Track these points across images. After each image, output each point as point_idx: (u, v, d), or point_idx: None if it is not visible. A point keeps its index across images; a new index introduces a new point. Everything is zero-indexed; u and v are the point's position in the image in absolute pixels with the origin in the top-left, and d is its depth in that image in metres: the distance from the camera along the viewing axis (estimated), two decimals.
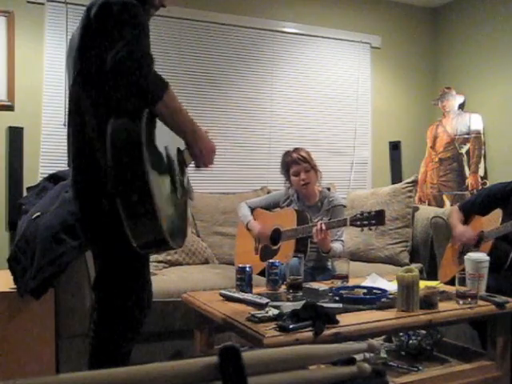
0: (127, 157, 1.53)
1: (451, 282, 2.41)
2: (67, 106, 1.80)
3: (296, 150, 3.00)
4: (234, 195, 3.61)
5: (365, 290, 2.21)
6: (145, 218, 1.52)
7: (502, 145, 3.95)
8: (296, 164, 2.93)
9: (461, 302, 2.12)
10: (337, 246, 2.83)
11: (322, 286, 2.33)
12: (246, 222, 3.07)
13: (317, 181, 3.00)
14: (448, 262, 2.92)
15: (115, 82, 1.55)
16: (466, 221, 2.94)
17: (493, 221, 2.74)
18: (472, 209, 2.92)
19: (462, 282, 2.16)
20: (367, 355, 1.95)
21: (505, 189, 2.81)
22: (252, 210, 3.13)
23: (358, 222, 2.59)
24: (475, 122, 4.08)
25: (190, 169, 1.86)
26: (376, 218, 2.54)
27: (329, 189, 3.08)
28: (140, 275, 1.79)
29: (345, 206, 3.00)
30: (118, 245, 1.68)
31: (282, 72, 4.04)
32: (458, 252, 2.83)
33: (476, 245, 2.78)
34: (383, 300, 2.08)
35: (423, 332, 2.27)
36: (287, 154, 3.02)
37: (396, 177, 4.26)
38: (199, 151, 1.73)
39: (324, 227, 2.67)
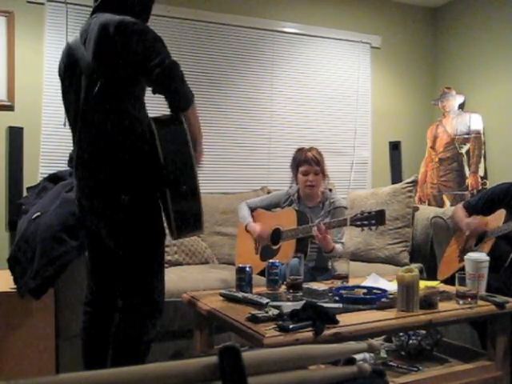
0: (178, 154, 1.79)
1: (450, 281, 2.41)
2: (82, 108, 1.88)
3: (311, 149, 2.97)
4: (234, 195, 3.60)
5: (365, 290, 2.21)
6: (192, 208, 1.81)
7: (501, 145, 3.95)
8: (307, 164, 2.91)
9: (461, 301, 2.12)
10: (338, 247, 2.83)
11: (321, 286, 2.34)
12: (246, 223, 3.07)
13: (323, 184, 2.99)
14: (449, 259, 2.92)
15: (162, 86, 1.80)
16: None
17: (496, 221, 2.75)
18: (475, 209, 2.92)
19: (462, 282, 2.16)
20: (367, 355, 1.95)
21: (508, 189, 2.82)
22: (252, 210, 3.13)
23: (359, 222, 2.59)
24: (475, 122, 4.08)
25: None
26: (376, 218, 2.54)
27: (330, 190, 3.06)
28: (163, 263, 2.00)
29: (346, 208, 2.99)
30: (141, 235, 1.87)
31: (282, 72, 4.04)
32: (459, 250, 2.83)
33: (477, 243, 2.79)
34: (383, 300, 2.08)
35: (423, 332, 2.27)
36: (301, 150, 2.99)
37: (396, 177, 4.26)
38: (200, 150, 1.99)
39: (324, 227, 2.67)
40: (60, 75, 2.03)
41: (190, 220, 1.83)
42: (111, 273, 2.02)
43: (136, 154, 1.84)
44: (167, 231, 1.96)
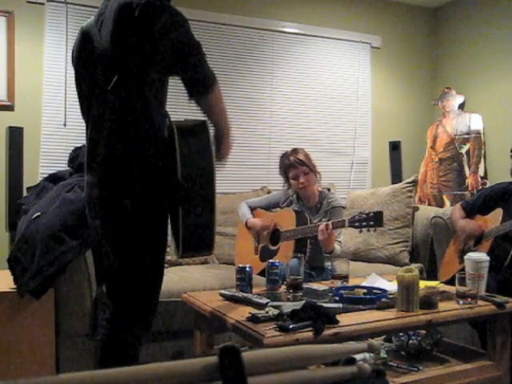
0: (199, 172, 1.63)
1: (451, 282, 2.41)
2: (99, 100, 1.75)
3: (294, 151, 2.96)
4: (234, 195, 3.60)
5: (365, 290, 2.21)
6: (204, 229, 1.66)
7: (501, 145, 3.94)
8: (294, 168, 2.90)
9: (461, 302, 2.12)
10: (337, 248, 2.82)
11: (321, 286, 2.34)
12: (245, 220, 3.07)
13: (316, 182, 2.99)
14: (449, 260, 2.92)
15: (178, 64, 1.65)
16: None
17: (494, 220, 2.75)
18: (473, 208, 2.93)
19: (462, 282, 2.16)
20: (367, 355, 1.95)
21: (505, 188, 2.82)
22: (252, 209, 3.13)
23: (357, 224, 2.59)
24: (475, 122, 4.08)
25: None
26: (374, 219, 2.54)
27: (329, 189, 3.06)
28: (160, 266, 1.86)
29: (344, 207, 3.00)
30: (143, 239, 1.75)
31: (282, 72, 4.04)
32: (459, 251, 2.83)
33: (475, 244, 2.79)
34: (383, 300, 2.08)
35: (423, 332, 2.27)
36: (285, 156, 2.99)
37: (396, 177, 4.25)
38: (227, 144, 1.83)
39: (330, 226, 2.66)
40: (73, 63, 1.89)
41: (199, 241, 1.70)
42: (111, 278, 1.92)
43: (151, 157, 1.70)
44: (172, 248, 1.85)
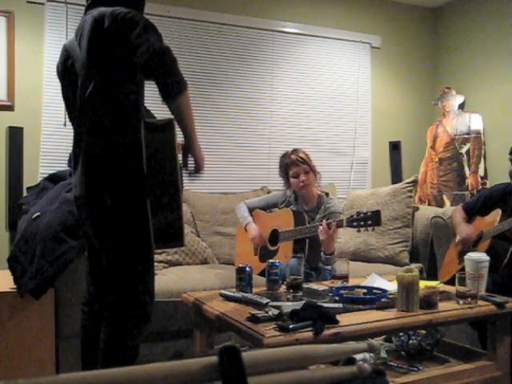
0: (163, 165, 1.74)
1: (451, 282, 2.41)
2: (78, 107, 1.86)
3: (294, 151, 2.98)
4: (234, 195, 3.61)
5: (365, 290, 2.21)
6: (171, 221, 1.75)
7: (501, 145, 3.94)
8: (295, 166, 2.91)
9: (461, 301, 2.12)
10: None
11: (321, 286, 2.34)
12: (245, 223, 3.06)
13: (316, 182, 2.99)
14: (449, 260, 2.92)
15: (152, 70, 1.73)
16: (469, 221, 2.95)
17: (492, 221, 2.75)
18: (473, 209, 2.93)
19: (462, 282, 2.16)
20: (367, 355, 1.95)
21: (504, 189, 2.82)
22: (250, 210, 3.12)
23: (355, 223, 2.59)
24: (475, 122, 4.08)
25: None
26: (372, 219, 2.54)
27: (327, 194, 3.05)
28: (151, 266, 1.88)
29: (341, 213, 2.98)
30: (123, 236, 1.82)
31: (282, 72, 4.04)
32: (459, 251, 2.83)
33: (474, 244, 2.79)
34: (383, 300, 2.08)
35: (423, 332, 2.27)
36: (285, 155, 3.00)
37: (396, 177, 4.26)
38: (198, 152, 1.93)
39: (333, 226, 2.66)
40: (58, 77, 2.03)
41: (168, 233, 1.79)
42: (104, 274, 1.99)
43: (127, 156, 1.79)
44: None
